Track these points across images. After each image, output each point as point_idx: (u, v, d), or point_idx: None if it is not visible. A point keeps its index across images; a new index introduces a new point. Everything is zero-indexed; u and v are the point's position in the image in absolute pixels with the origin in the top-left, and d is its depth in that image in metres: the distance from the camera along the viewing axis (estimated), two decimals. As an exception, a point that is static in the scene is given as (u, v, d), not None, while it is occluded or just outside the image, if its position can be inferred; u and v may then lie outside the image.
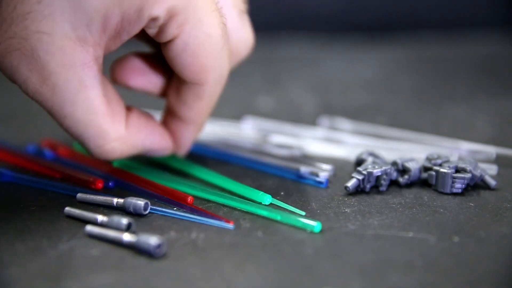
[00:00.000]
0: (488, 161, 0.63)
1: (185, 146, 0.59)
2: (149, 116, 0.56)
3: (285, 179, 0.60)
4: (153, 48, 0.58)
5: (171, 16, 0.49)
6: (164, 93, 0.58)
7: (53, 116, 0.50)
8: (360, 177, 0.55)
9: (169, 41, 0.51)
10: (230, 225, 0.50)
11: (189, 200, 0.53)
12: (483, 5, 1.24)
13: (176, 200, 0.54)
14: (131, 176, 0.58)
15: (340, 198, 0.55)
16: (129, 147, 0.53)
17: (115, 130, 0.51)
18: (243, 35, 0.57)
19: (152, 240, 0.46)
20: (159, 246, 0.46)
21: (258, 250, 0.47)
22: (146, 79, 0.58)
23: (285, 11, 1.25)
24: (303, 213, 0.52)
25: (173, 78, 0.57)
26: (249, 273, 0.44)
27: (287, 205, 0.53)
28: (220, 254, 0.46)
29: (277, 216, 0.51)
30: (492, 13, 1.24)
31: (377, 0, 1.25)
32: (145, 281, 0.43)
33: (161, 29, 0.50)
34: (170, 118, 0.58)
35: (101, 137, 0.51)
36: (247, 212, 0.53)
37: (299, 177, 0.59)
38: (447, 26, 1.23)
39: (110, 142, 0.51)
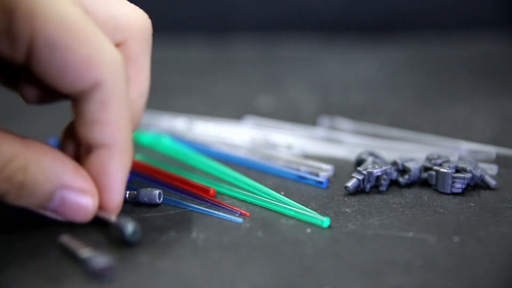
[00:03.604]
0: (488, 161, 0.63)
1: (116, 188, 0.45)
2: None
3: (285, 179, 0.60)
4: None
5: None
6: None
7: None
8: (360, 177, 0.55)
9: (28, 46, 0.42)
10: (240, 220, 0.50)
11: (211, 192, 0.53)
12: (483, 5, 1.24)
13: (197, 193, 0.54)
14: (147, 166, 0.58)
15: (340, 198, 0.55)
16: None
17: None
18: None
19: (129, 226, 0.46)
20: (134, 232, 0.46)
21: (258, 250, 0.47)
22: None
23: (285, 11, 1.25)
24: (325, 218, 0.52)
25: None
26: (249, 273, 0.44)
27: (311, 210, 0.52)
28: (220, 254, 0.46)
29: (291, 212, 0.51)
30: (492, 13, 1.24)
31: (377, 0, 1.25)
32: (145, 281, 0.43)
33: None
34: (82, 156, 0.46)
35: None
36: (256, 206, 0.53)
37: (299, 177, 0.59)
38: (447, 26, 1.23)
39: None
